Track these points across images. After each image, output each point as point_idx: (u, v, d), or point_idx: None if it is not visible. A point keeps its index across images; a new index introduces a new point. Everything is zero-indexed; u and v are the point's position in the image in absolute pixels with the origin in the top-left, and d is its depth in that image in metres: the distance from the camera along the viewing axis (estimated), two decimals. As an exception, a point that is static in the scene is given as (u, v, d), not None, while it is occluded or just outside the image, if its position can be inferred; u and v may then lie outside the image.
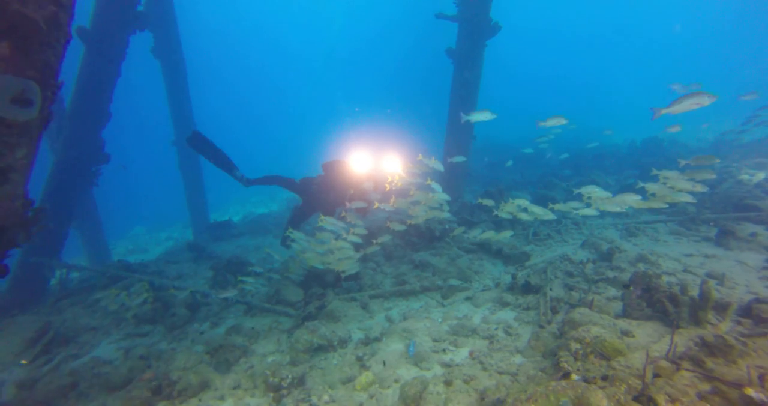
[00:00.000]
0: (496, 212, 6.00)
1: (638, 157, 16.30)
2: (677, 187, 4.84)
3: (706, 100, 4.10)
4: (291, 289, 6.17)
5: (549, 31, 64.45)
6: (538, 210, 5.72)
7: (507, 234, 6.01)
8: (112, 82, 7.90)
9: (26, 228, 2.77)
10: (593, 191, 5.49)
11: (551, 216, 5.63)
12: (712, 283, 3.85)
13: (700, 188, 4.75)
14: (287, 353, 4.50)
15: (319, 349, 4.53)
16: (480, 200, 6.93)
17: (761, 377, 2.61)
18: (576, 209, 5.50)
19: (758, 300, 3.87)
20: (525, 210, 5.89)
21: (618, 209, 5.03)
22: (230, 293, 5.89)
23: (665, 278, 5.45)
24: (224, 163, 7.25)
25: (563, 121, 6.24)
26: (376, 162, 7.10)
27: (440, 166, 5.68)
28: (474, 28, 10.22)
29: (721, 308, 3.88)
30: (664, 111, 4.48)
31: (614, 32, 65.17)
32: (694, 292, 3.84)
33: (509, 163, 13.52)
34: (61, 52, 2.89)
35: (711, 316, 3.68)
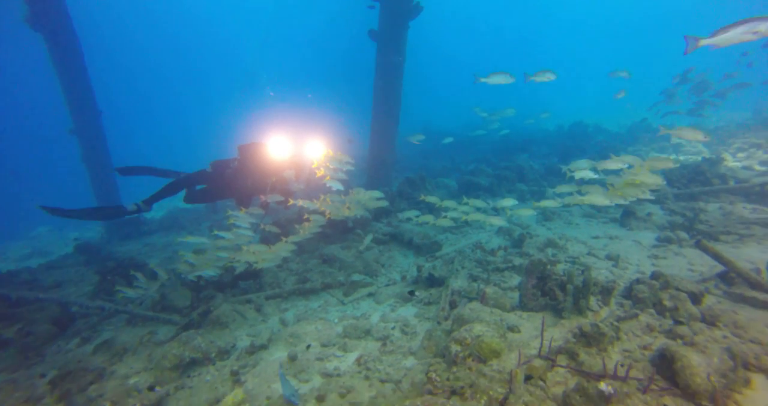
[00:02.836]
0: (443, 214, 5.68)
1: (563, 140, 17.02)
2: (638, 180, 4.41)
3: (764, 28, 3.06)
4: (179, 292, 5.48)
5: (494, 17, 65.46)
6: (495, 220, 5.38)
7: (445, 222, 5.66)
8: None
9: None
10: (580, 167, 5.12)
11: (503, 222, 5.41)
12: (593, 270, 3.78)
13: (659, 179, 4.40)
14: (153, 372, 3.88)
15: (193, 363, 3.96)
16: (423, 197, 6.42)
17: (617, 366, 2.47)
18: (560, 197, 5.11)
19: (638, 281, 3.87)
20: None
21: (607, 203, 4.59)
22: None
23: (568, 264, 5.49)
24: (99, 215, 6.05)
25: (552, 77, 5.72)
26: (297, 148, 6.48)
27: (344, 164, 5.26)
28: (395, 8, 9.77)
29: (607, 292, 3.84)
30: (704, 42, 3.49)
31: (560, 17, 67.52)
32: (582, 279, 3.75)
33: (448, 139, 13.05)
34: None
35: (593, 303, 3.60)
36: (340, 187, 5.35)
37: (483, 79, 5.51)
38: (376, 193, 5.66)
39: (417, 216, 5.93)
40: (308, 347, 4.07)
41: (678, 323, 3.28)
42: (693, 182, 7.69)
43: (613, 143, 14.78)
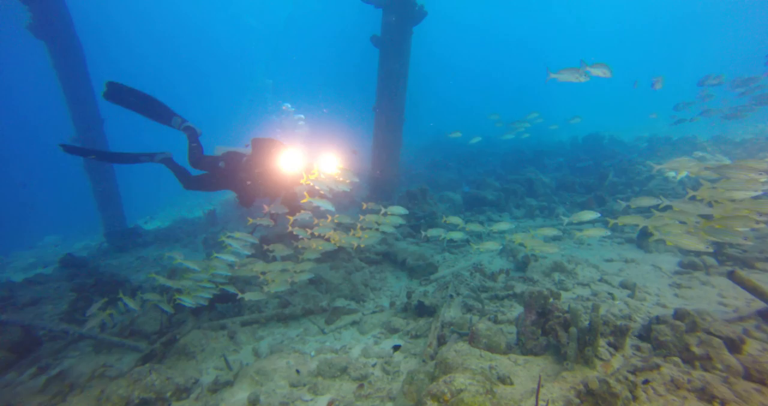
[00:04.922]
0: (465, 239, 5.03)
1: (578, 153, 16.29)
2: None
3: None
4: (150, 316, 5.06)
5: (507, 24, 64.52)
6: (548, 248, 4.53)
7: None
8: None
9: None
10: (680, 166, 4.09)
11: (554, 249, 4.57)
12: (601, 308, 3.20)
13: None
14: (96, 415, 3.43)
15: (143, 404, 3.50)
16: (445, 219, 5.73)
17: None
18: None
19: (658, 319, 3.28)
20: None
21: (701, 248, 3.64)
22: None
23: (578, 291, 4.89)
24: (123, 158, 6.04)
25: (609, 74, 4.99)
26: (310, 164, 5.97)
27: (337, 185, 4.83)
28: (398, 13, 9.41)
29: (620, 333, 3.25)
30: None
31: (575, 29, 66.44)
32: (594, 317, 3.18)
33: (476, 138, 12.07)
34: None
35: (603, 347, 3.01)
36: (331, 207, 4.88)
37: (553, 76, 4.84)
38: (401, 210, 5.10)
39: (440, 235, 5.20)
40: (297, 372, 3.67)
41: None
42: (719, 200, 6.98)
43: (631, 158, 13.96)
